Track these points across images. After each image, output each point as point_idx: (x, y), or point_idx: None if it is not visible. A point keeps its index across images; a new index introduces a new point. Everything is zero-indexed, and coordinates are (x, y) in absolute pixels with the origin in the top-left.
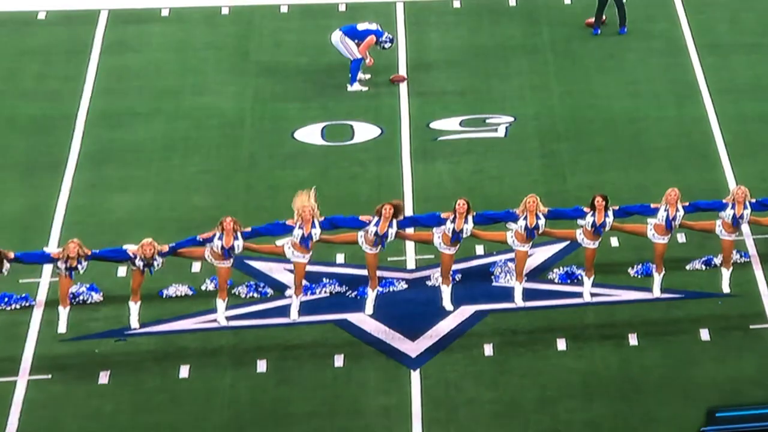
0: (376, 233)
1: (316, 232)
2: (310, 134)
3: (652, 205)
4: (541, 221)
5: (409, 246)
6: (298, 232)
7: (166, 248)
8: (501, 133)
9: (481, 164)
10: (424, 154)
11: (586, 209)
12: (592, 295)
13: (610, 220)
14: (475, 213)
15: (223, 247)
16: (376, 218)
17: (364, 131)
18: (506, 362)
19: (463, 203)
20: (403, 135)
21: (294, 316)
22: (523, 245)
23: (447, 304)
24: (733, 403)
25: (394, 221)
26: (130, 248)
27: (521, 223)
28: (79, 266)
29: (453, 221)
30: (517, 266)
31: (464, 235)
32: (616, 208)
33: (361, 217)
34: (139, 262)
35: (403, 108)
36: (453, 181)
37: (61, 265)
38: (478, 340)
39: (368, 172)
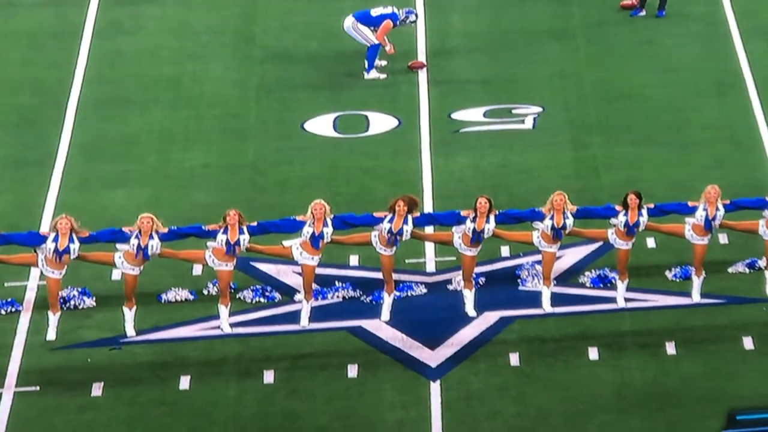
0: (389, 231)
1: (328, 232)
2: (321, 125)
3: (690, 203)
4: (570, 221)
5: (429, 247)
6: (308, 231)
7: (165, 230)
8: (528, 124)
9: (506, 158)
10: (445, 147)
11: (618, 207)
12: (627, 300)
13: (644, 219)
14: (497, 212)
15: (228, 242)
16: (389, 215)
17: (380, 122)
18: (533, 373)
19: (485, 201)
20: (422, 126)
21: (304, 322)
22: (550, 246)
23: (470, 309)
24: (755, 406)
25: (409, 218)
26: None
27: (547, 222)
28: (151, 243)
29: (474, 220)
30: (544, 269)
31: (486, 236)
32: (651, 206)
33: (375, 214)
34: (134, 240)
35: (422, 97)
36: (476, 176)
37: (134, 241)
38: (504, 349)
39: (384, 166)
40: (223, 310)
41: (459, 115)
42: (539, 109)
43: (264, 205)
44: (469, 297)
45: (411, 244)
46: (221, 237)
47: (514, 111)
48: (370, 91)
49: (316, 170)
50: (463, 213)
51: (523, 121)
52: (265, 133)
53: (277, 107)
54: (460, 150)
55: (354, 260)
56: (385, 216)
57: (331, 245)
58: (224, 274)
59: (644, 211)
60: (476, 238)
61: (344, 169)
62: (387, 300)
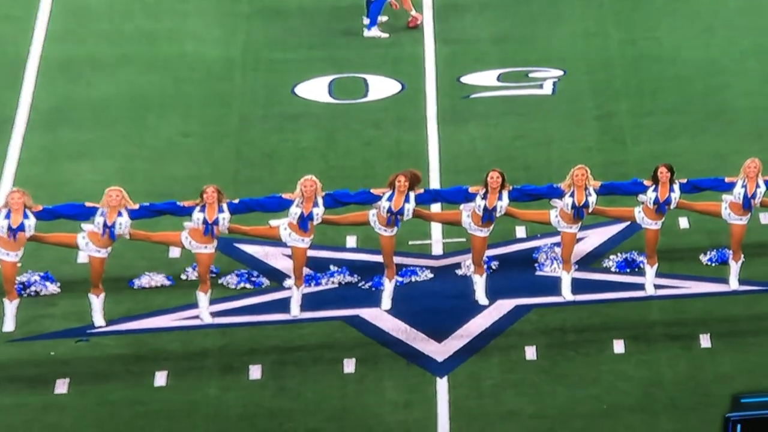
0: (389, 210)
1: (319, 212)
2: (315, 90)
3: (727, 179)
4: (592, 198)
5: (435, 228)
6: (295, 211)
7: (136, 206)
8: (547, 89)
9: (523, 128)
10: (454, 115)
11: (647, 182)
12: (656, 287)
13: (676, 195)
14: (511, 187)
15: (205, 222)
16: (389, 191)
17: (381, 87)
18: (553, 368)
19: (497, 175)
20: (428, 92)
21: (295, 311)
22: (570, 226)
23: (480, 297)
24: (760, 389)
25: (411, 195)
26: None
27: (567, 200)
28: (119, 220)
29: (484, 197)
30: (564, 252)
31: (498, 214)
32: (684, 181)
33: (373, 191)
34: (99, 218)
35: (428, 58)
36: (488, 148)
37: (99, 219)
38: (519, 341)
39: (386, 136)
40: (203, 297)
41: (469, 79)
42: (559, 73)
43: (250, 180)
44: (479, 283)
45: (415, 224)
46: (198, 215)
47: (531, 74)
48: (369, 51)
49: (309, 141)
50: (471, 189)
51: (541, 86)
52: (252, 98)
53: (264, 69)
54: (471, 118)
55: (351, 241)
56: (384, 193)
57: (326, 225)
58: (203, 257)
59: (676, 187)
60: (487, 216)
61: (341, 140)
62: (388, 286)
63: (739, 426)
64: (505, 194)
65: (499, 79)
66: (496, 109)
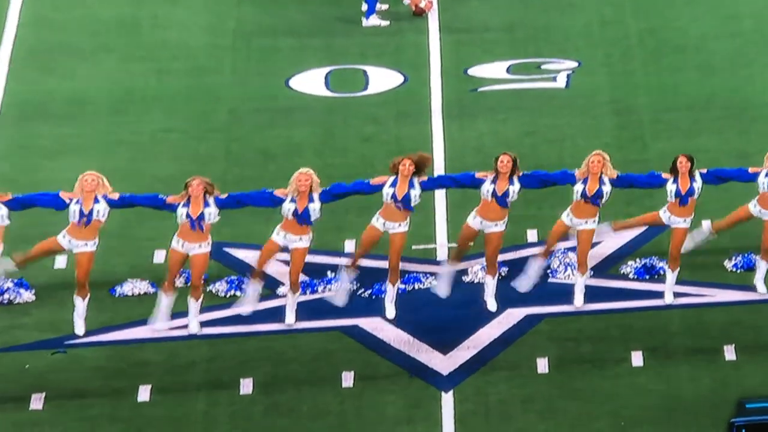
0: (393, 197)
1: (315, 208)
2: (311, 82)
3: (751, 169)
4: (606, 188)
5: (440, 230)
6: (288, 207)
7: (116, 196)
8: (561, 82)
9: (534, 123)
10: (461, 109)
11: (665, 175)
12: (677, 294)
13: (698, 185)
14: (522, 173)
15: (188, 216)
16: (392, 177)
17: (382, 79)
18: (566, 383)
19: (508, 159)
20: (433, 84)
21: (290, 319)
22: (585, 221)
23: (490, 301)
24: (765, 394)
25: (416, 181)
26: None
27: (578, 188)
28: (97, 207)
29: (494, 181)
30: (579, 254)
31: (510, 198)
32: (704, 171)
33: (372, 181)
34: (74, 206)
35: (433, 49)
36: (497, 145)
37: (74, 207)
38: (530, 353)
39: (386, 132)
40: (194, 305)
41: (477, 71)
42: (574, 64)
43: (241, 179)
44: (490, 285)
45: (418, 226)
46: (181, 211)
47: (543, 66)
48: (369, 40)
49: (305, 137)
50: (479, 174)
51: (554, 79)
52: (242, 91)
53: (256, 59)
54: (478, 113)
55: (350, 246)
56: (387, 180)
57: (324, 227)
58: (197, 259)
59: (698, 176)
60: (500, 202)
61: (338, 136)
62: (391, 292)
63: (743, 431)
64: (516, 180)
65: (508, 71)
66: (506, 103)
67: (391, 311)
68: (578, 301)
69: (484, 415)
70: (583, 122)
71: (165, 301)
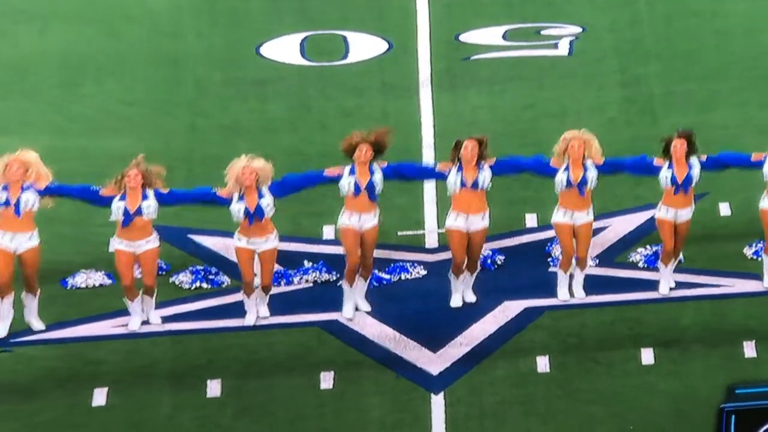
0: (356, 187)
1: (267, 203)
2: (284, 50)
3: (754, 156)
4: (591, 173)
5: (429, 213)
6: (238, 208)
7: (43, 183)
8: (563, 50)
9: (534, 96)
10: (452, 80)
11: (657, 161)
12: (691, 285)
13: (696, 171)
14: (495, 159)
15: (126, 211)
16: (348, 166)
17: (364, 46)
18: (568, 382)
19: (473, 145)
20: (421, 52)
21: (263, 312)
22: (583, 212)
23: (468, 294)
24: (755, 380)
25: (376, 167)
26: None
27: (560, 176)
28: (24, 197)
29: (459, 171)
30: (579, 250)
31: (482, 187)
32: (704, 158)
33: (327, 171)
34: (1, 194)
35: (421, 12)
36: (493, 120)
37: (1, 195)
38: (529, 350)
39: (369, 106)
40: (149, 301)
41: (470, 37)
42: (577, 30)
43: (207, 157)
44: (469, 280)
45: (405, 210)
46: (117, 205)
47: (543, 32)
48: (350, 2)
49: (278, 110)
50: (439, 166)
51: (556, 46)
52: (208, 59)
53: (224, 24)
54: (472, 84)
55: (329, 232)
56: (341, 171)
57: (301, 213)
58: (148, 257)
59: (696, 162)
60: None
61: (315, 110)
62: (363, 287)
63: (733, 416)
64: (486, 167)
65: (505, 37)
66: (502, 73)
67: (365, 305)
68: (578, 291)
69: (479, 418)
70: (587, 94)
71: (133, 306)
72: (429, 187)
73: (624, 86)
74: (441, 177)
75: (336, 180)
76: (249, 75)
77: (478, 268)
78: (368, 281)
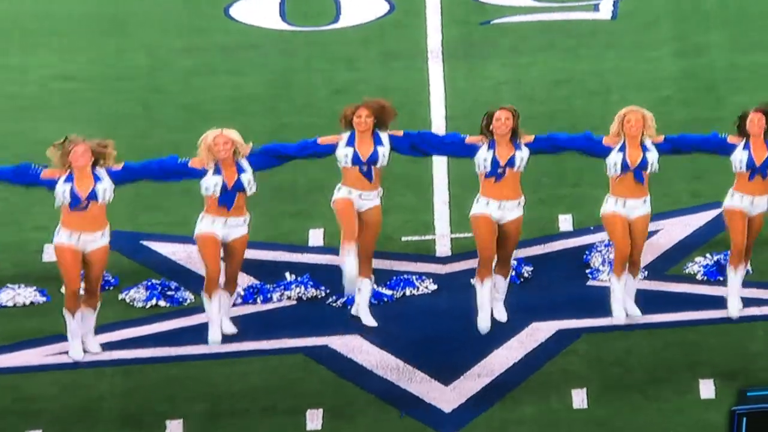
0: (356, 158)
1: (248, 179)
2: (260, 11)
3: None
4: (652, 154)
5: (441, 215)
6: (214, 181)
7: None
8: (605, 12)
9: (569, 69)
10: (468, 48)
11: (731, 139)
12: (754, 302)
13: None
14: (534, 137)
15: (73, 193)
16: (347, 134)
17: (359, 7)
18: (611, 419)
19: (508, 116)
20: (430, 15)
21: (228, 330)
22: (638, 200)
23: (498, 308)
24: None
25: (383, 137)
26: None
27: (613, 158)
28: None
29: (491, 147)
30: (634, 251)
31: (517, 168)
32: None
33: (320, 140)
34: None
35: None
36: (519, 97)
37: None
38: (562, 382)
39: (366, 81)
40: (90, 317)
41: None
42: None
43: (164, 144)
44: (501, 287)
45: (413, 212)
46: (62, 188)
47: None
48: None
49: (253, 86)
50: (469, 139)
51: (596, 8)
52: (165, 23)
53: None
54: (493, 55)
55: (316, 237)
56: (338, 140)
57: (279, 213)
58: (97, 256)
59: None
60: (496, 173)
61: (299, 85)
62: (366, 291)
63: (744, 419)
64: (523, 145)
65: None
66: (531, 40)
67: (368, 318)
68: (633, 309)
69: None
70: (635, 67)
71: (74, 325)
72: (440, 183)
73: (679, 56)
74: (470, 153)
75: (331, 150)
76: (216, 42)
77: (512, 271)
78: (371, 283)
